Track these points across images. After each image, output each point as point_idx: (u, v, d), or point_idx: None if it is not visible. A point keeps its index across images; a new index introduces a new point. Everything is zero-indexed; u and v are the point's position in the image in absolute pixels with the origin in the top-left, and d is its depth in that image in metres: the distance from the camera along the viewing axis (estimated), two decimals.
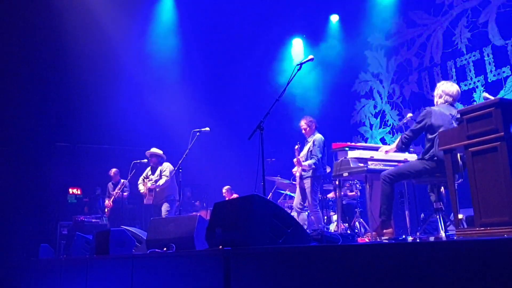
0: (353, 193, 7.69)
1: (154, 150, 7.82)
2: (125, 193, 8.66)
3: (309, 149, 6.27)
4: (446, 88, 4.31)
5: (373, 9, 10.24)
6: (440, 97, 4.32)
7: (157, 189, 7.49)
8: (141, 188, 7.68)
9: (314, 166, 6.13)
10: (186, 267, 2.72)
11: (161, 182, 7.49)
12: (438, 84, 4.44)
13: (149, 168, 7.87)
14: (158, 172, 7.65)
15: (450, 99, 4.27)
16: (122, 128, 10.53)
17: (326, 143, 6.32)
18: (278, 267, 2.01)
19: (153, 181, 7.54)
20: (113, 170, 9.06)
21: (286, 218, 2.87)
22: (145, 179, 7.71)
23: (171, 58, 11.23)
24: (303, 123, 6.42)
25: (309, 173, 6.16)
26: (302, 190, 6.28)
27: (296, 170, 6.36)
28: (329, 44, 11.11)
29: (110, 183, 9.10)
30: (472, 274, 1.41)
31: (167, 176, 7.52)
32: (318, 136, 6.33)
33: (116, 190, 8.73)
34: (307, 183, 6.15)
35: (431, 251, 1.55)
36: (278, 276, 1.99)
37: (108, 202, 8.80)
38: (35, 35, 9.86)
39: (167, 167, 7.66)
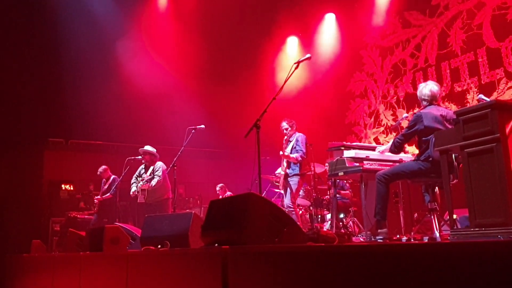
0: (346, 191, 7.67)
1: (147, 148, 7.75)
2: (109, 194, 8.44)
3: (292, 146, 6.34)
4: (429, 90, 4.34)
5: (368, 9, 10.25)
6: (425, 100, 4.35)
7: (149, 188, 7.45)
8: (133, 188, 7.59)
9: (300, 159, 6.20)
10: (183, 265, 2.71)
11: (153, 182, 7.43)
12: (420, 88, 4.48)
13: (142, 166, 7.80)
14: (150, 171, 7.59)
15: (436, 101, 4.32)
16: (115, 124, 10.46)
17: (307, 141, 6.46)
18: (276, 267, 2.01)
19: (145, 180, 7.49)
20: (101, 168, 8.81)
21: (282, 217, 2.86)
22: (138, 178, 7.64)
23: (166, 55, 11.18)
24: (285, 124, 6.48)
25: (296, 171, 6.21)
26: (286, 190, 6.31)
27: (280, 172, 6.42)
28: (324, 43, 11.11)
29: (103, 180, 9.00)
30: (467, 276, 1.42)
31: (159, 176, 7.45)
32: (299, 134, 6.45)
33: (104, 187, 8.64)
34: (293, 180, 6.20)
35: (428, 252, 1.56)
36: (276, 276, 1.99)
37: (97, 199, 8.67)
38: (28, 29, 9.78)
39: (159, 167, 7.58)
